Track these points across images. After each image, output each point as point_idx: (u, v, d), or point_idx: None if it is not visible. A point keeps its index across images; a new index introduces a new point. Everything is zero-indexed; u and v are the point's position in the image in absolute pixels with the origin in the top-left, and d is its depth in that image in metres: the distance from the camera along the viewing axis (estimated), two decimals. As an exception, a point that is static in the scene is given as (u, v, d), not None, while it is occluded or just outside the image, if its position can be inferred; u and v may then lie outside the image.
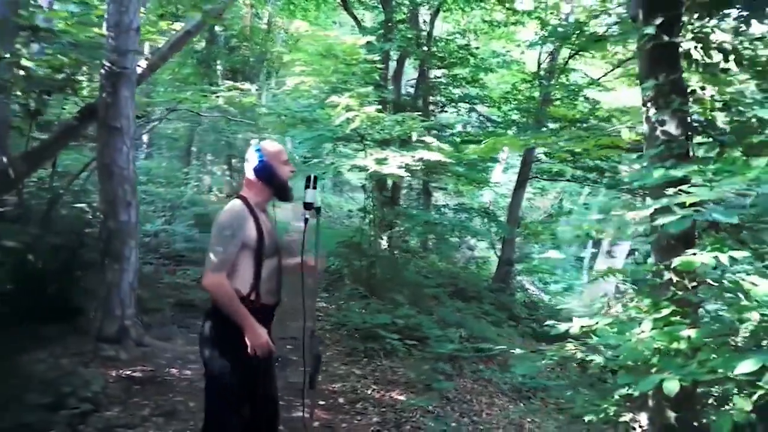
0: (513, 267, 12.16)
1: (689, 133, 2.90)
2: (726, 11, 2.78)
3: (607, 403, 3.11)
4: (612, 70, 11.42)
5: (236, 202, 2.55)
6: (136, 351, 4.81)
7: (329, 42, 7.04)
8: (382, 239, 8.79)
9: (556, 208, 15.56)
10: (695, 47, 2.78)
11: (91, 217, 4.93)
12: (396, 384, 5.32)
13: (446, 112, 11.59)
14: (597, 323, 2.56)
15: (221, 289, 2.39)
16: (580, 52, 10.88)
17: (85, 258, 4.94)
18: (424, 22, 11.12)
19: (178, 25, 5.93)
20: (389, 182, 9.12)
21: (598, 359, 3.00)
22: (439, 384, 5.43)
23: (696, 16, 2.84)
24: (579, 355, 3.10)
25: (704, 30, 2.81)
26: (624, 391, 3.16)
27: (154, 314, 5.65)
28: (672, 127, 2.87)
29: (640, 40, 2.84)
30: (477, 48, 10.48)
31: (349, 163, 6.48)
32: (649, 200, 2.84)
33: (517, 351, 5.08)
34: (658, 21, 2.78)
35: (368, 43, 6.89)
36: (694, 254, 2.34)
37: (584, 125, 10.49)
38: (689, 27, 2.85)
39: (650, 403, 3.01)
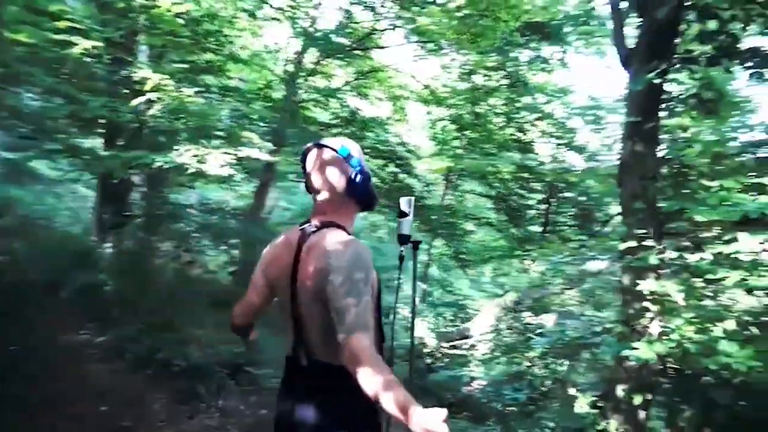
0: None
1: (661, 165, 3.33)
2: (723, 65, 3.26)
3: (587, 410, 3.31)
4: (351, 81, 12.05)
5: (349, 238, 1.76)
6: None
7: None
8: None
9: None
10: (680, 95, 3.21)
11: None
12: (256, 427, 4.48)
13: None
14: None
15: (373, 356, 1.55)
16: (329, 59, 11.15)
17: None
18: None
19: None
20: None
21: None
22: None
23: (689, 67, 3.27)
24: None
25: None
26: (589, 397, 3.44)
27: None
28: (648, 160, 3.24)
29: (635, 84, 3.10)
30: (239, 36, 9.58)
31: (163, 160, 5.06)
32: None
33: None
34: (653, 69, 3.09)
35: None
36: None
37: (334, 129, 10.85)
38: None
39: (622, 405, 3.34)
